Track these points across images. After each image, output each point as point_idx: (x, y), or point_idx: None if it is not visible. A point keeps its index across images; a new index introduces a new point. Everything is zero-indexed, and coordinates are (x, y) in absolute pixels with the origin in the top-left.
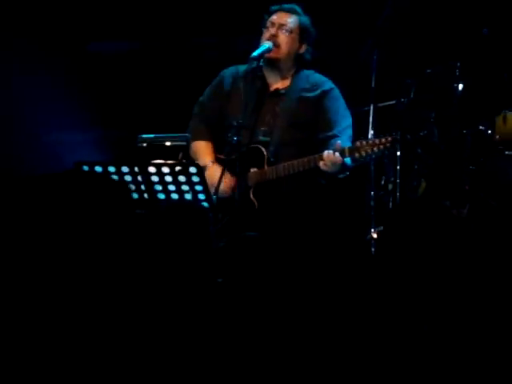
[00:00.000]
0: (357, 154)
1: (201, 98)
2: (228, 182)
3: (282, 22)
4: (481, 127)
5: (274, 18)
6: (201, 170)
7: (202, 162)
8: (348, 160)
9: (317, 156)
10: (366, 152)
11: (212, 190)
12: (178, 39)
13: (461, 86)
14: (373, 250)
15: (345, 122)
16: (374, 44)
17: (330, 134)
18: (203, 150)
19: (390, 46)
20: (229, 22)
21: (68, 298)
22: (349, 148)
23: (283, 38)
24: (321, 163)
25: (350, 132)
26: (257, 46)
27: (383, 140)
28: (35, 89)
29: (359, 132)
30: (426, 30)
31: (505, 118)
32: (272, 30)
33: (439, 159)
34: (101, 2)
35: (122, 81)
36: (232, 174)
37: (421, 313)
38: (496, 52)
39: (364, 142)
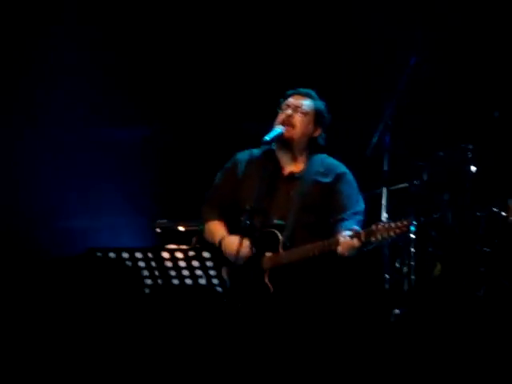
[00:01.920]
0: (373, 238)
1: (214, 182)
2: (247, 246)
3: (298, 104)
4: (494, 209)
5: (290, 100)
6: (214, 256)
7: (217, 238)
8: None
9: (333, 240)
10: (382, 236)
11: (232, 258)
12: (192, 124)
13: (473, 169)
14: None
15: (356, 206)
16: (385, 127)
17: (340, 217)
18: (217, 228)
19: (402, 129)
20: (242, 107)
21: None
22: (365, 232)
23: (298, 119)
24: (338, 248)
25: (360, 217)
26: (269, 129)
27: (399, 224)
28: (53, 176)
29: (373, 215)
30: (438, 113)
31: None
32: (288, 112)
33: (453, 241)
34: (116, 86)
35: (135, 167)
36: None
37: None
38: (507, 134)
39: (380, 226)
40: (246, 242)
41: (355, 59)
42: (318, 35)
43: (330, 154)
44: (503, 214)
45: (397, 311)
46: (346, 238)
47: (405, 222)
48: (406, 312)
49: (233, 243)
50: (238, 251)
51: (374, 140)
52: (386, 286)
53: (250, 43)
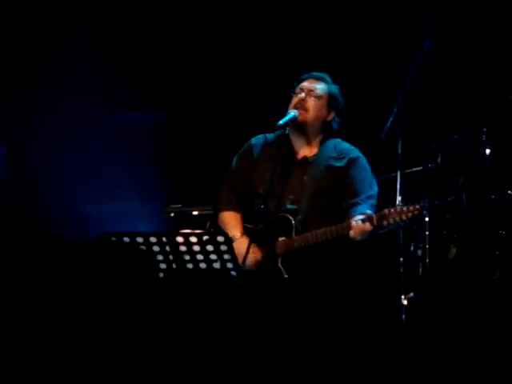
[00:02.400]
0: (385, 222)
1: (230, 167)
2: (254, 256)
3: (312, 87)
4: (509, 192)
5: (304, 84)
6: (228, 239)
7: (229, 234)
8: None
9: (345, 225)
10: (394, 220)
11: (241, 264)
12: (206, 109)
13: (488, 151)
14: (403, 316)
15: (369, 190)
16: (400, 111)
17: (353, 201)
18: (231, 222)
19: (416, 112)
20: (257, 91)
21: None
22: (377, 216)
23: (312, 103)
24: (350, 232)
25: (373, 201)
26: (284, 114)
27: (411, 208)
28: (69, 161)
29: (387, 198)
30: (452, 96)
31: None
32: (301, 95)
33: (468, 224)
34: (127, 72)
35: (150, 152)
36: (260, 243)
37: (452, 381)
38: None
39: (392, 210)
40: (254, 254)
41: (369, 43)
42: (331, 19)
43: (344, 138)
44: None
45: (411, 294)
46: (358, 221)
47: (417, 206)
48: (420, 295)
49: (241, 250)
50: (245, 259)
51: (388, 124)
52: (401, 270)
53: (264, 28)
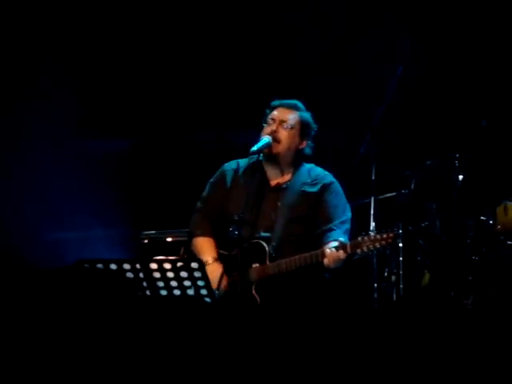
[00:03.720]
0: (359, 250)
1: (203, 194)
2: (224, 285)
3: (283, 118)
4: (482, 218)
5: (275, 113)
6: (202, 266)
7: (202, 260)
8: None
9: (319, 252)
10: (368, 247)
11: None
12: (178, 136)
13: (461, 177)
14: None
15: (343, 216)
16: (373, 137)
17: (327, 227)
18: (205, 247)
19: (390, 138)
20: (228, 117)
21: None
22: (351, 244)
23: (284, 134)
24: (325, 260)
25: (347, 226)
26: (256, 140)
27: (385, 235)
28: (39, 188)
29: (361, 224)
30: (425, 122)
31: (505, 209)
32: (273, 126)
33: (441, 250)
34: (100, 100)
35: (123, 179)
36: (234, 270)
37: None
38: (495, 142)
39: (366, 238)
40: (223, 283)
41: (343, 68)
42: (304, 44)
43: (318, 163)
44: (491, 222)
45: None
46: (332, 249)
47: (390, 234)
48: (394, 321)
49: (216, 274)
50: (218, 286)
51: (362, 149)
52: (375, 295)
53: (233, 51)
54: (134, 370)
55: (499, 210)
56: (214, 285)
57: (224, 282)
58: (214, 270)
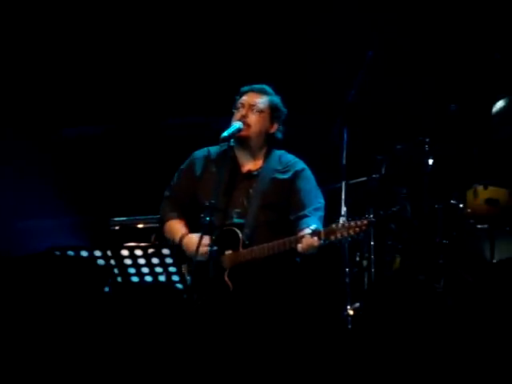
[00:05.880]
0: (332, 237)
1: (172, 182)
2: (206, 244)
3: (252, 102)
4: (452, 202)
5: (245, 98)
6: (174, 252)
7: (177, 236)
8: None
9: (293, 239)
10: (342, 235)
11: (192, 256)
12: (148, 122)
13: (431, 162)
14: (349, 326)
15: (316, 202)
16: (343, 122)
17: (301, 214)
18: (177, 226)
19: (360, 123)
20: (198, 103)
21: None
22: (325, 231)
23: (253, 118)
24: (298, 246)
25: (321, 213)
26: (227, 126)
27: (359, 223)
28: (9, 175)
29: (332, 209)
30: (396, 107)
31: (475, 192)
32: (242, 111)
33: (412, 234)
34: (70, 88)
35: (93, 166)
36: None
37: None
38: (464, 127)
39: (340, 225)
40: (206, 240)
41: (313, 53)
42: (274, 28)
43: (289, 148)
44: (461, 206)
45: (357, 305)
46: (306, 236)
47: (365, 221)
48: (366, 306)
49: (193, 241)
50: (197, 249)
51: (333, 134)
52: (347, 280)
53: (205, 34)
54: (105, 357)
55: (469, 193)
56: (200, 249)
57: (205, 244)
58: (191, 239)
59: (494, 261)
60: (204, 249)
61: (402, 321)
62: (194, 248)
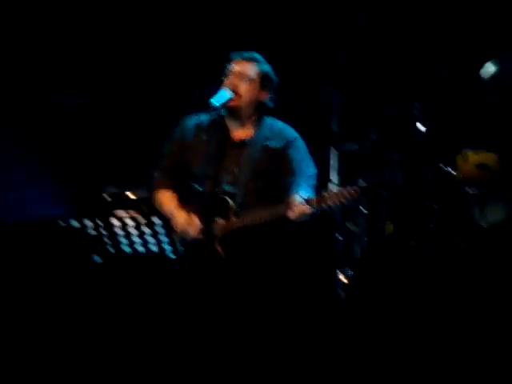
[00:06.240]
0: (324, 205)
1: (163, 150)
2: (196, 224)
3: (242, 71)
4: (443, 167)
5: (234, 67)
6: (166, 222)
7: (167, 211)
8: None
9: (284, 206)
10: (334, 202)
11: (182, 235)
12: (138, 92)
13: (422, 127)
14: (342, 293)
15: (308, 170)
16: (334, 88)
17: (293, 182)
18: (168, 200)
19: (351, 89)
20: (186, 72)
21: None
22: (316, 199)
23: (244, 87)
24: (290, 213)
25: (313, 181)
26: (216, 92)
27: (350, 190)
28: None
29: (322, 176)
30: (386, 72)
31: (465, 157)
32: (233, 80)
33: (403, 200)
34: (62, 58)
35: (84, 135)
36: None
37: (391, 356)
38: (455, 92)
39: (331, 193)
40: (195, 222)
41: (302, 19)
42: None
43: (279, 115)
44: (451, 171)
45: (348, 272)
46: (297, 203)
47: (356, 189)
48: (358, 273)
49: (183, 222)
50: (186, 230)
51: (323, 100)
52: (338, 247)
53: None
54: (97, 328)
55: (459, 159)
56: (189, 230)
57: (194, 227)
58: (182, 218)
59: (484, 225)
60: (194, 231)
61: (393, 286)
62: (184, 227)
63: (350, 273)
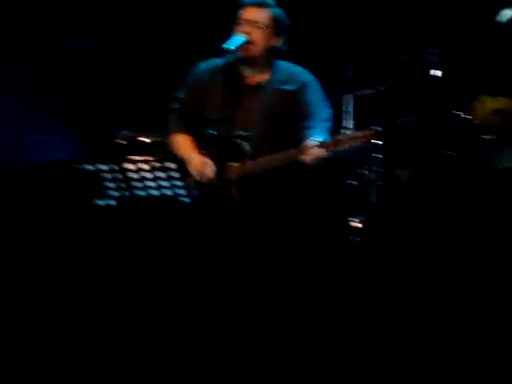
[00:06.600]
0: (339, 148)
1: (178, 94)
2: (212, 168)
3: (255, 17)
4: (459, 113)
5: (246, 14)
6: (180, 166)
7: (183, 154)
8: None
9: (299, 150)
10: (349, 145)
11: (197, 178)
12: (149, 36)
13: (439, 73)
14: (357, 239)
15: (324, 114)
16: (350, 33)
17: (308, 124)
18: (185, 144)
19: (368, 34)
20: (197, 16)
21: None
22: (331, 142)
23: (257, 35)
24: (304, 157)
25: (328, 124)
26: (230, 38)
27: (366, 133)
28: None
29: (338, 121)
30: (403, 17)
31: (482, 102)
32: (245, 27)
33: (420, 146)
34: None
35: (96, 79)
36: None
37: (404, 303)
38: (472, 37)
39: (346, 135)
40: (210, 165)
41: None
42: None
43: (294, 61)
44: (468, 117)
45: (362, 218)
46: (312, 147)
47: (371, 131)
48: (372, 218)
49: (200, 165)
50: (201, 173)
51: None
52: (352, 192)
53: None
54: (115, 272)
55: (476, 104)
56: (205, 173)
57: (211, 170)
58: (199, 162)
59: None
60: (211, 174)
61: (407, 233)
62: (202, 171)
63: (363, 218)
